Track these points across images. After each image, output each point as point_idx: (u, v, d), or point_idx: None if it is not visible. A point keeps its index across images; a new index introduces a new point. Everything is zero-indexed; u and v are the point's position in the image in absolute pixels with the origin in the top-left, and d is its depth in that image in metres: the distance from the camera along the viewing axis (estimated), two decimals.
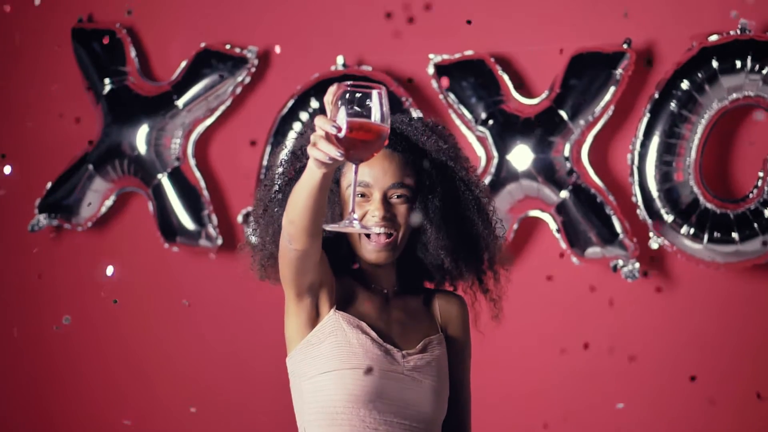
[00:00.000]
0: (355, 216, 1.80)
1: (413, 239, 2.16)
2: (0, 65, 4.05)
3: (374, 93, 1.73)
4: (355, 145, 1.73)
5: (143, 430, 3.99)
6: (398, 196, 2.09)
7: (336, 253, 2.12)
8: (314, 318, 2.08)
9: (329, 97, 1.75)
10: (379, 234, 2.07)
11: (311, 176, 1.80)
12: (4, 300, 4.11)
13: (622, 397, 3.46)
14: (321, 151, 1.71)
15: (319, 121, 1.72)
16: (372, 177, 2.09)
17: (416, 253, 2.17)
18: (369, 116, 1.72)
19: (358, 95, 1.72)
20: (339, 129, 1.71)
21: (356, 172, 1.80)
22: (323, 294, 2.07)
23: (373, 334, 2.07)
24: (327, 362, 2.05)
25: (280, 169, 2.20)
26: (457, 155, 2.19)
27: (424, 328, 2.15)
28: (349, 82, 1.73)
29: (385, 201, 2.09)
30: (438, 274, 2.20)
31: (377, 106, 1.73)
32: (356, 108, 1.72)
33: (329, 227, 1.83)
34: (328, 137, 1.72)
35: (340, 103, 1.72)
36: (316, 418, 2.06)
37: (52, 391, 4.08)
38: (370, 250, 2.08)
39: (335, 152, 1.70)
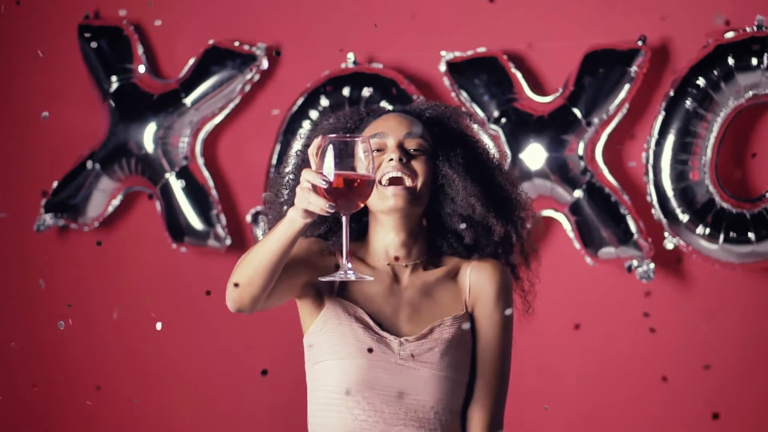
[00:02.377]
0: (350, 265, 1.82)
1: (438, 200, 2.10)
2: (4, 62, 4.02)
3: (359, 143, 1.77)
4: (343, 196, 1.77)
5: (147, 430, 3.96)
6: (415, 150, 2.08)
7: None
8: (319, 306, 2.08)
9: (313, 149, 1.80)
10: (397, 179, 2.04)
11: (291, 226, 1.83)
12: (8, 301, 4.08)
13: (635, 399, 3.43)
14: (312, 203, 1.75)
15: (306, 174, 1.76)
16: (387, 127, 2.09)
17: (444, 210, 2.10)
18: (355, 167, 1.77)
19: (342, 146, 1.77)
20: (328, 182, 1.75)
21: (346, 225, 1.82)
22: (322, 286, 2.07)
23: (370, 321, 2.04)
24: (321, 352, 2.06)
25: (289, 169, 2.20)
26: (474, 129, 2.19)
27: (442, 308, 2.09)
28: (332, 135, 1.79)
29: (402, 148, 2.07)
30: (468, 233, 2.10)
31: (362, 156, 1.77)
32: (343, 159, 1.76)
33: (325, 279, 1.85)
34: (315, 189, 1.75)
35: (325, 155, 1.77)
36: (314, 407, 2.07)
37: (54, 392, 4.05)
38: (389, 195, 2.03)
39: (325, 205, 1.74)
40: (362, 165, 1.78)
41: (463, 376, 2.06)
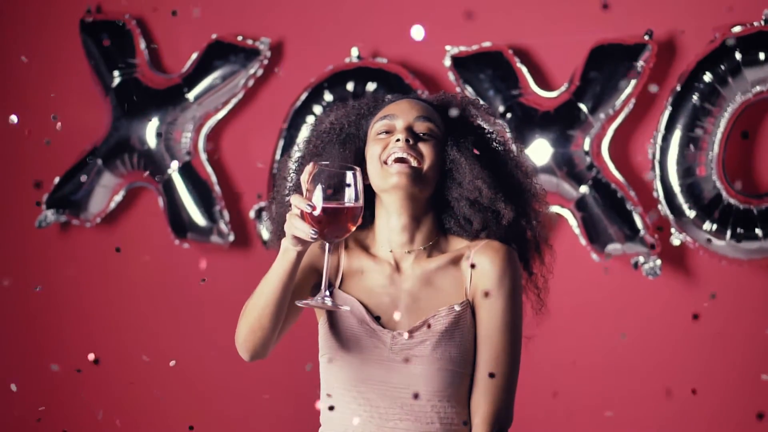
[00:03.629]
0: (327, 293, 1.88)
1: (447, 186, 2.07)
2: (6, 57, 4.00)
3: (349, 173, 1.83)
4: (329, 223, 1.82)
5: (150, 425, 3.95)
6: (425, 134, 2.06)
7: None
8: None
9: (305, 176, 1.85)
10: (401, 161, 2.02)
11: (285, 257, 1.88)
12: (10, 298, 4.06)
13: (641, 395, 3.42)
14: (297, 227, 1.81)
15: (294, 199, 1.83)
16: (398, 109, 2.08)
17: (451, 195, 2.07)
18: (343, 196, 1.83)
19: (333, 175, 1.83)
20: (314, 207, 1.81)
21: (329, 251, 1.88)
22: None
23: (365, 316, 2.03)
24: (323, 347, 2.07)
25: (300, 154, 2.19)
26: (491, 120, 2.17)
27: (441, 297, 2.05)
28: (324, 162, 1.85)
29: (411, 131, 2.05)
30: (477, 217, 2.06)
31: (352, 186, 1.84)
32: (331, 187, 1.83)
33: (301, 303, 1.90)
34: (303, 215, 1.82)
35: (315, 181, 1.83)
36: (322, 399, 2.09)
37: (56, 387, 4.03)
38: (392, 173, 2.02)
39: (309, 230, 1.80)
40: (351, 195, 1.83)
41: (462, 366, 2.02)
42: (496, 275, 2.03)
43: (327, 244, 1.88)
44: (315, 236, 1.80)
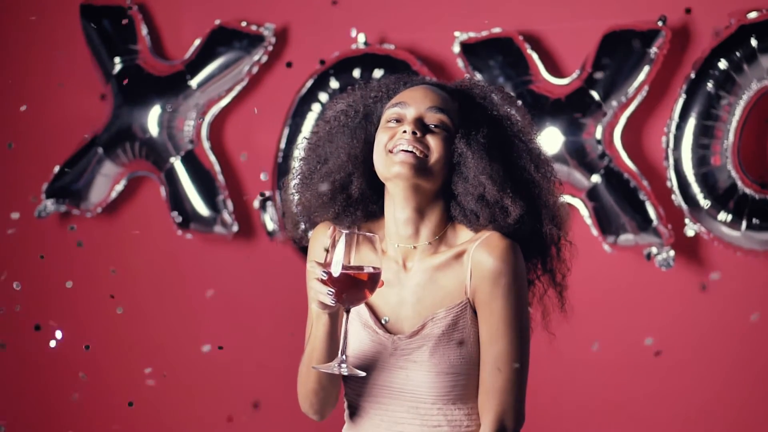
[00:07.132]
0: (344, 357, 1.91)
1: (454, 180, 2.01)
2: (6, 44, 3.95)
3: (371, 238, 1.88)
4: (348, 289, 1.86)
5: (151, 419, 3.90)
6: (436, 126, 2.00)
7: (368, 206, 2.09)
8: None
9: (328, 239, 1.90)
10: (406, 152, 1.97)
11: (318, 321, 1.94)
12: (11, 291, 4.02)
13: (654, 391, 3.40)
14: (317, 291, 1.87)
15: (310, 265, 1.89)
16: (411, 97, 2.03)
17: (458, 189, 2.00)
18: (362, 263, 1.86)
19: (353, 240, 1.87)
20: (329, 274, 1.85)
21: (347, 321, 1.91)
22: None
23: (369, 319, 2.01)
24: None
25: (319, 135, 2.13)
26: (510, 110, 2.08)
27: (443, 296, 1.98)
28: (346, 231, 1.88)
29: (420, 123, 1.99)
30: (484, 213, 1.97)
31: (372, 252, 1.87)
32: (350, 253, 1.86)
33: (319, 368, 1.95)
34: (323, 281, 1.86)
35: (335, 246, 1.87)
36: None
37: (56, 382, 3.99)
38: (395, 162, 1.96)
39: (328, 300, 1.85)
40: (370, 261, 1.86)
41: (463, 369, 1.97)
42: (494, 273, 1.94)
43: (345, 314, 1.91)
44: (332, 303, 1.85)
